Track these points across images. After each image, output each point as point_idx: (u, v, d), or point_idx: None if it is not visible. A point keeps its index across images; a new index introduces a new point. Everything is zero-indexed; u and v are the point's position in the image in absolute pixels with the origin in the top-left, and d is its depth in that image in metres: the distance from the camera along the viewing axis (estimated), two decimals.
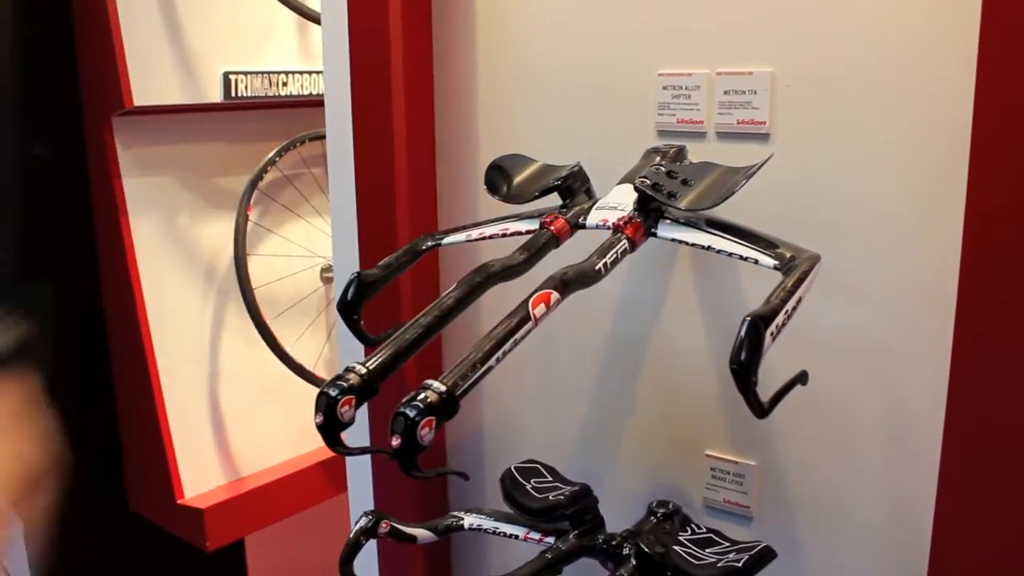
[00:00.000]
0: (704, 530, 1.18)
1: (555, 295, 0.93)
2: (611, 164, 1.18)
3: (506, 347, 0.89)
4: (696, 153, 1.18)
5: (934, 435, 1.08)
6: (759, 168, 1.01)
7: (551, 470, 1.33)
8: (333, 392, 0.88)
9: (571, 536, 1.22)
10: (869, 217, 1.10)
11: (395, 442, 0.81)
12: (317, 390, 2.39)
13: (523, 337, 0.90)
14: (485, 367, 0.87)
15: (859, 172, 1.10)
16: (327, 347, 2.43)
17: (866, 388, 1.14)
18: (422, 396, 0.83)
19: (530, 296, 0.93)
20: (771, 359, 1.22)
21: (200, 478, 2.17)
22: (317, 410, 0.88)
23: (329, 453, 2.39)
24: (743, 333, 0.83)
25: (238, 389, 2.27)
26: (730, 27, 1.17)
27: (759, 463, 1.24)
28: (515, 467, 1.32)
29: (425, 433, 0.82)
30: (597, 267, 0.99)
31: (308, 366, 2.30)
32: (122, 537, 2.25)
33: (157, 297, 2.10)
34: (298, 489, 2.30)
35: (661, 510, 1.26)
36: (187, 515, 2.10)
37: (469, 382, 0.85)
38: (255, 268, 2.21)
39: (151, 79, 2.02)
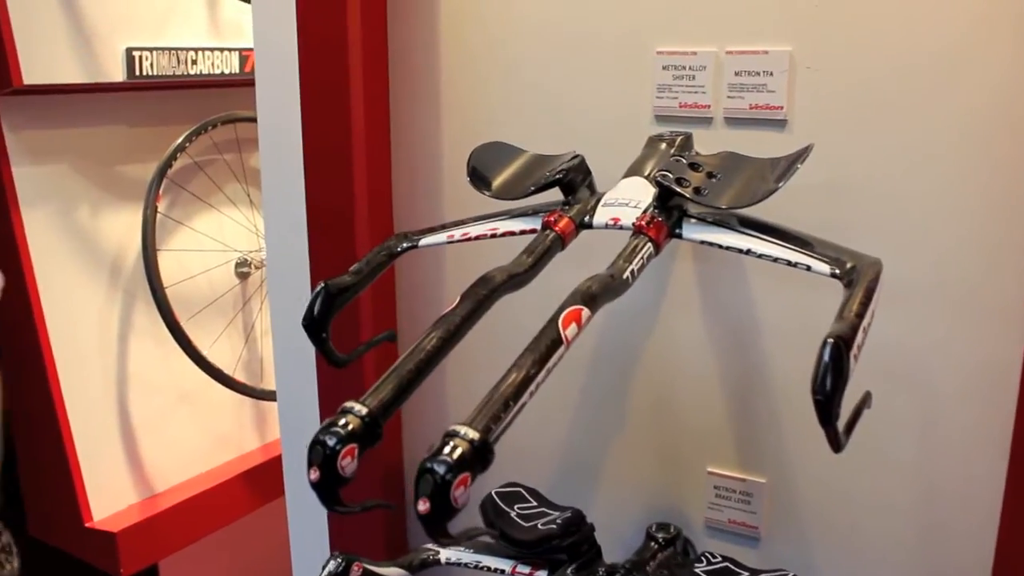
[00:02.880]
0: (719, 559, 1.05)
1: (586, 312, 0.78)
2: (601, 153, 1.02)
3: (539, 378, 0.73)
4: (702, 141, 1.04)
5: (973, 452, 0.99)
6: (803, 160, 0.87)
7: (535, 493, 1.18)
8: (331, 441, 0.70)
9: (568, 570, 1.08)
10: (901, 219, 0.99)
11: (423, 507, 0.64)
12: (236, 396, 2.15)
13: (555, 364, 0.75)
14: (519, 404, 0.71)
15: (893, 168, 0.98)
16: (246, 349, 2.21)
17: (894, 401, 1.03)
18: (450, 447, 0.66)
19: (558, 315, 0.77)
20: (780, 366, 1.10)
21: (110, 498, 1.94)
22: (311, 464, 0.71)
23: (251, 463, 2.21)
24: (827, 358, 0.69)
25: (149, 397, 2.04)
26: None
27: (770, 480, 1.12)
28: (496, 492, 1.17)
29: (460, 494, 0.65)
30: (625, 275, 0.84)
31: (227, 370, 2.09)
32: (22, 565, 1.99)
33: (56, 298, 1.85)
34: (218, 505, 2.08)
35: (661, 534, 1.13)
36: (97, 539, 1.87)
37: (503, 424, 0.69)
38: (165, 264, 1.98)
39: (43, 55, 1.77)
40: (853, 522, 1.07)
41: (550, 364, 0.74)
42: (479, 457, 0.67)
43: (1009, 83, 0.92)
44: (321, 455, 0.70)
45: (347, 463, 0.71)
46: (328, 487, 0.71)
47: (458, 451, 0.66)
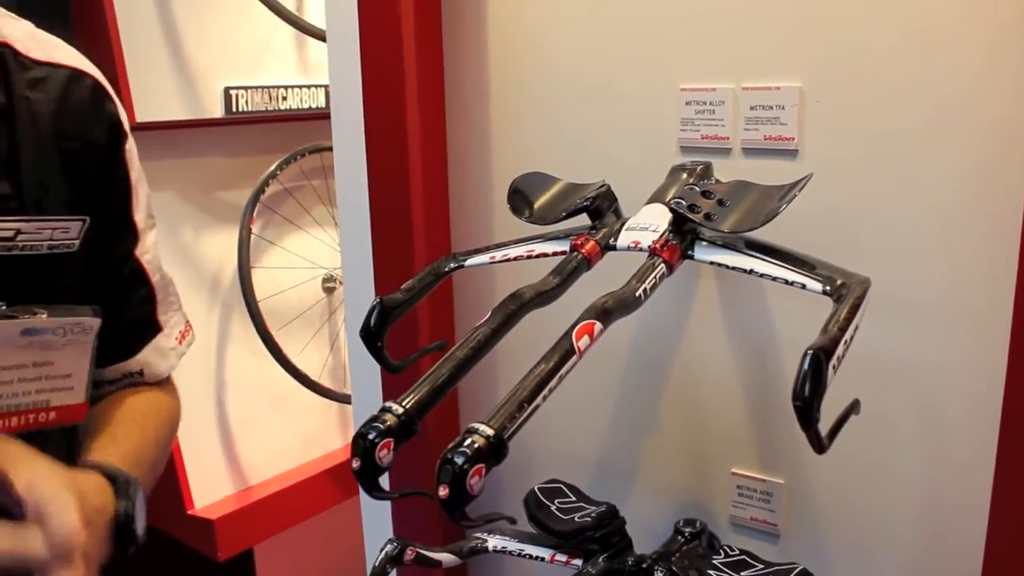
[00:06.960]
0: (737, 552, 1.09)
1: (598, 325, 0.83)
2: (632, 181, 1.07)
3: (552, 384, 0.79)
4: (722, 170, 1.08)
5: (977, 455, 1.00)
6: (801, 188, 0.91)
7: (574, 489, 1.24)
8: (371, 435, 0.78)
9: (600, 559, 1.13)
10: (906, 237, 1.01)
11: (443, 492, 0.71)
12: (322, 399, 2.24)
13: (568, 372, 0.80)
14: (532, 406, 0.77)
15: (897, 194, 1.01)
16: (331, 357, 2.32)
17: (903, 406, 1.05)
18: (468, 441, 0.72)
19: (572, 328, 0.82)
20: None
21: (209, 488, 2.05)
22: (354, 454, 0.78)
23: (335, 460, 2.31)
24: (806, 367, 0.74)
25: (244, 399, 2.15)
26: (755, 41, 1.07)
27: (788, 481, 1.15)
28: (539, 488, 1.23)
29: (475, 482, 0.71)
30: (637, 293, 0.89)
31: (313, 376, 2.19)
32: None
33: None
34: (306, 497, 2.18)
35: (688, 529, 1.16)
36: (198, 525, 1.98)
37: (517, 423, 0.75)
38: (259, 280, 2.10)
39: (153, 96, 1.90)
40: (861, 523, 1.10)
41: (563, 371, 0.79)
42: (494, 451, 0.73)
43: (1013, 113, 0.93)
44: (362, 447, 0.78)
45: (384, 455, 0.78)
46: (368, 475, 0.78)
47: (475, 445, 0.72)
